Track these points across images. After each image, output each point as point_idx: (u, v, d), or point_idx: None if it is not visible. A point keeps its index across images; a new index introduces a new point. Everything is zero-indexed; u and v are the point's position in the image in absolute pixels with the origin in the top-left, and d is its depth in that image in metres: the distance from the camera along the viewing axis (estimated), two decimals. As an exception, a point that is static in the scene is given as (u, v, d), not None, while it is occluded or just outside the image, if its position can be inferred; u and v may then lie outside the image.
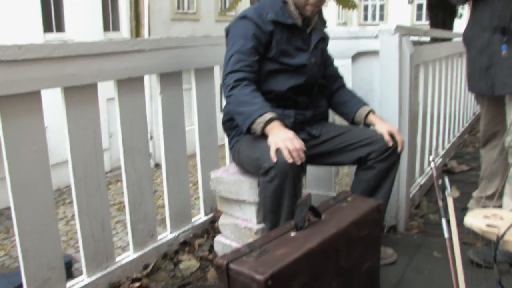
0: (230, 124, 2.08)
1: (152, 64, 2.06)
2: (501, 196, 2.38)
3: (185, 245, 2.34)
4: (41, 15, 10.74)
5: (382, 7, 19.63)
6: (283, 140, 1.69)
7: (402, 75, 2.34)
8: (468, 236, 2.40)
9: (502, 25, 2.12)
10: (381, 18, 19.74)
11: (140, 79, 2.04)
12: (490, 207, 2.11)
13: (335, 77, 2.24)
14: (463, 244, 2.35)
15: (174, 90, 2.22)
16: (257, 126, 1.77)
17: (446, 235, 1.26)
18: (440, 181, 1.29)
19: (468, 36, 2.38)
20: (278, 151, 1.68)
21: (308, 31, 2.05)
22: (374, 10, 19.29)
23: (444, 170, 3.63)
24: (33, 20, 10.55)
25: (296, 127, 1.97)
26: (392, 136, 1.99)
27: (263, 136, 1.79)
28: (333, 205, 1.73)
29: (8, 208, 1.68)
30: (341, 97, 2.21)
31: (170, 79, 2.20)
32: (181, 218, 2.33)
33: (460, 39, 4.25)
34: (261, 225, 2.05)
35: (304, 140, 1.98)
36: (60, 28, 11.42)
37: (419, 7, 18.23)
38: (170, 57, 2.14)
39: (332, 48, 2.25)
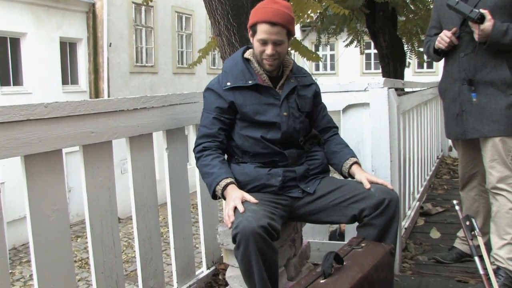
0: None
1: (159, 121, 2.12)
2: (484, 234, 2.54)
3: (192, 299, 2.33)
4: (-2, 68, 10.58)
5: (332, 57, 20.49)
6: (227, 205, 1.81)
7: (391, 124, 2.50)
8: (461, 275, 2.54)
9: (468, 77, 2.34)
10: (332, 67, 20.56)
11: (149, 136, 2.09)
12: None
13: (329, 128, 2.22)
14: (457, 282, 2.48)
15: (179, 145, 2.28)
16: (219, 194, 1.91)
17: (481, 271, 1.35)
18: (467, 222, 1.40)
19: (442, 88, 2.60)
20: (238, 218, 1.74)
21: (280, 84, 2.06)
22: (325, 60, 20.11)
23: (421, 212, 3.79)
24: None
25: (286, 186, 1.99)
26: (386, 191, 1.94)
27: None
28: (350, 251, 1.80)
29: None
30: (331, 146, 2.17)
31: (175, 135, 2.25)
32: (187, 273, 2.33)
33: (425, 88, 4.55)
34: (272, 275, 2.09)
35: (297, 198, 2.01)
36: (17, 81, 11.24)
37: (368, 57, 19.18)
38: (176, 113, 2.20)
39: (323, 101, 2.34)
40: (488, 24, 2.19)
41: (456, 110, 2.45)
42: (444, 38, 2.38)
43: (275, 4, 1.96)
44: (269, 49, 1.96)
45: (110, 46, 12.71)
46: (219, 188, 1.89)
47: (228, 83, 2.01)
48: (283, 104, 2.03)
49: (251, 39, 2.03)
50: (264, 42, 1.96)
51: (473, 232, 1.56)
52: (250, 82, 2.00)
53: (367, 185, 1.96)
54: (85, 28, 12.72)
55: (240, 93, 2.00)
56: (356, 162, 2.10)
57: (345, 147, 2.18)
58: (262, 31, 1.94)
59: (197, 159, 2.00)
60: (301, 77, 2.14)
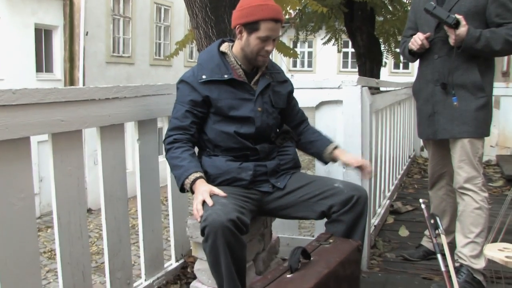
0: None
1: (132, 111, 2.10)
2: (450, 233, 2.60)
3: (160, 292, 2.32)
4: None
5: (310, 54, 20.58)
6: (196, 199, 1.82)
7: (363, 122, 2.53)
8: (426, 272, 2.59)
9: (442, 80, 2.39)
10: (310, 65, 20.64)
11: (121, 126, 2.06)
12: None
13: (303, 121, 2.29)
14: (423, 279, 2.53)
15: (151, 137, 2.26)
16: (188, 188, 1.90)
17: (443, 268, 1.39)
18: (432, 221, 1.43)
19: (416, 88, 2.65)
20: (208, 211, 1.74)
21: (255, 79, 2.06)
22: (303, 57, 20.19)
23: (391, 210, 3.85)
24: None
25: (257, 180, 2.01)
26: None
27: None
28: (318, 246, 1.82)
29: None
30: (307, 137, 2.25)
31: (147, 126, 2.23)
32: (155, 265, 2.32)
33: (399, 88, 4.61)
34: (241, 269, 2.09)
35: (267, 192, 2.04)
36: (-11, 68, 10.98)
37: (345, 55, 19.33)
38: (148, 104, 2.18)
39: (297, 97, 2.34)
40: (463, 29, 2.25)
41: (428, 111, 2.50)
42: (417, 40, 2.43)
43: (270, 0, 1.98)
44: (270, 46, 1.98)
45: (86, 35, 12.50)
46: (188, 181, 1.88)
47: (204, 76, 1.99)
48: (258, 99, 2.04)
49: (243, 35, 1.98)
50: (265, 39, 1.96)
51: (437, 231, 1.60)
52: (226, 76, 1.99)
53: (356, 164, 2.12)
54: (62, 16, 12.48)
55: (215, 87, 1.99)
56: (337, 147, 2.20)
57: (320, 134, 2.27)
58: (267, 28, 1.94)
59: (167, 150, 1.99)
60: (275, 73, 2.16)
